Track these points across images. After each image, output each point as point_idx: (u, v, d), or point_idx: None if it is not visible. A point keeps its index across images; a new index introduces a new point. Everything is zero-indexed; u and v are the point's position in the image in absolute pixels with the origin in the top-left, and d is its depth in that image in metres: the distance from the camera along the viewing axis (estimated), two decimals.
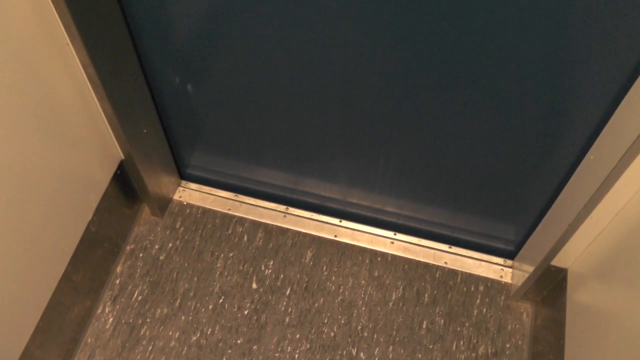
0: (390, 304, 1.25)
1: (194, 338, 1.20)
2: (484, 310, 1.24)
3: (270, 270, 1.28)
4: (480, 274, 1.28)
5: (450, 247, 1.31)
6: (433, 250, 1.31)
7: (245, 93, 1.08)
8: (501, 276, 1.28)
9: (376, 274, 1.28)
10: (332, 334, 1.21)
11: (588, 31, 0.77)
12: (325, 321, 1.22)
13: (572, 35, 0.79)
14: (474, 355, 1.19)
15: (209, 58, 1.02)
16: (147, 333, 1.20)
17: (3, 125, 0.84)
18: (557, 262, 1.07)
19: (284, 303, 1.24)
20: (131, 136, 1.10)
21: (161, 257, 1.29)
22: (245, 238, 1.32)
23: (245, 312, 1.23)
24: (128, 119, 1.07)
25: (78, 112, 1.01)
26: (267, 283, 1.27)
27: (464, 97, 0.94)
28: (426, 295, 1.26)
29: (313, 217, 1.35)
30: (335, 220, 1.34)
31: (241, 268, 1.28)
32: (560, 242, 1.01)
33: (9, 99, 0.84)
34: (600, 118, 0.88)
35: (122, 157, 1.18)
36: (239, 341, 1.20)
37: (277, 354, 1.19)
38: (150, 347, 1.19)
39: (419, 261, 1.30)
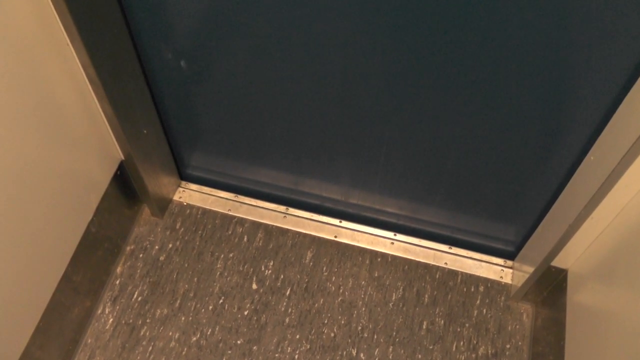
0: (390, 304, 1.24)
1: (194, 339, 1.20)
2: (484, 310, 1.24)
3: (270, 271, 1.28)
4: (481, 275, 1.28)
5: (450, 248, 1.31)
6: (433, 251, 1.31)
7: (245, 93, 1.08)
8: (501, 277, 1.28)
9: (376, 275, 1.28)
10: (332, 334, 1.21)
11: (589, 31, 0.77)
12: (325, 322, 1.22)
13: (573, 36, 0.79)
14: (474, 355, 1.19)
15: (209, 58, 1.02)
16: (147, 333, 1.20)
17: (3, 126, 0.84)
18: (557, 262, 1.07)
19: (284, 303, 1.24)
20: (131, 137, 1.10)
21: (161, 258, 1.29)
22: (245, 239, 1.32)
23: (245, 313, 1.23)
24: (128, 120, 1.07)
25: (78, 113, 1.01)
26: (267, 283, 1.27)
27: (464, 97, 0.94)
28: (426, 295, 1.26)
29: (313, 218, 1.35)
30: (335, 221, 1.34)
31: (241, 268, 1.28)
32: (561, 243, 1.01)
33: (9, 100, 0.84)
34: (600, 118, 0.88)
35: (122, 157, 1.18)
36: (239, 342, 1.20)
37: (277, 355, 1.19)
38: (150, 348, 1.19)
39: (419, 262, 1.30)
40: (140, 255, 1.29)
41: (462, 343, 1.20)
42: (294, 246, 1.32)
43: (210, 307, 1.24)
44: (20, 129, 0.88)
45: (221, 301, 1.24)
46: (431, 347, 1.20)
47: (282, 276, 1.28)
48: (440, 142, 1.05)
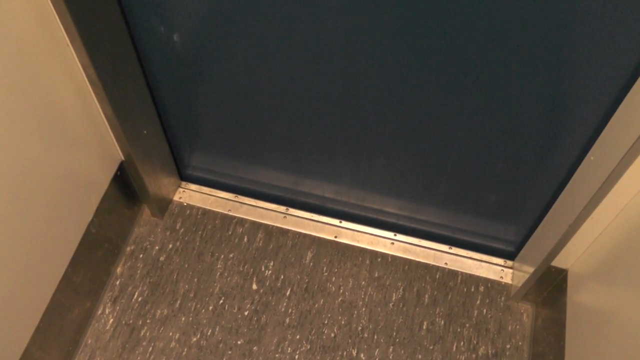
0: (391, 304, 1.24)
1: (194, 339, 1.20)
2: (484, 311, 1.24)
3: (270, 271, 1.28)
4: (481, 275, 1.28)
5: (450, 248, 1.31)
6: (433, 251, 1.31)
7: (245, 93, 1.08)
8: (501, 277, 1.28)
9: (376, 275, 1.28)
10: (333, 334, 1.21)
11: (589, 31, 0.77)
12: (326, 322, 1.22)
13: (573, 36, 0.79)
14: (474, 356, 1.19)
15: (209, 58, 1.02)
16: (148, 334, 1.20)
17: (3, 126, 0.84)
18: (557, 262, 1.07)
19: (284, 304, 1.24)
20: (131, 137, 1.10)
21: (161, 258, 1.29)
22: (245, 239, 1.32)
23: (246, 313, 1.23)
24: (128, 120, 1.07)
25: (78, 113, 1.01)
26: (267, 284, 1.27)
27: (464, 97, 0.94)
28: (426, 296, 1.26)
29: (313, 218, 1.35)
30: (336, 221, 1.34)
31: (241, 269, 1.28)
32: (561, 243, 1.01)
33: (8, 100, 0.84)
34: (600, 118, 0.88)
35: (122, 158, 1.18)
36: (239, 342, 1.20)
37: (277, 355, 1.19)
38: (151, 348, 1.19)
39: (419, 262, 1.30)
40: (141, 256, 1.29)
41: (462, 343, 1.20)
42: (294, 246, 1.32)
43: (211, 308, 1.24)
44: (20, 130, 0.88)
45: (221, 301, 1.24)
46: (431, 348, 1.20)
47: (282, 276, 1.28)
48: (440, 142, 1.05)
